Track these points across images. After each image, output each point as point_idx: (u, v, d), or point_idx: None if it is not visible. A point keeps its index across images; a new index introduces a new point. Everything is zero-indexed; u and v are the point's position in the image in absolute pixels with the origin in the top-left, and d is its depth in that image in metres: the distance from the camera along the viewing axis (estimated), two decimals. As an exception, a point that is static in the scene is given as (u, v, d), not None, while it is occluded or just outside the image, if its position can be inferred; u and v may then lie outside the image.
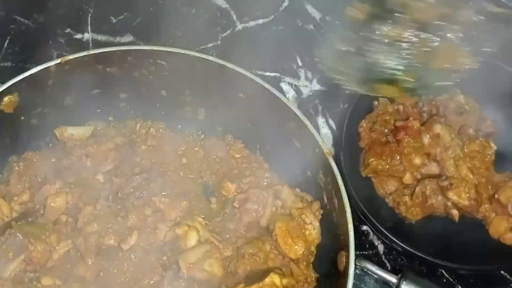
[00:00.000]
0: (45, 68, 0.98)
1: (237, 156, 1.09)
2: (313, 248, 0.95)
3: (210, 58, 1.00)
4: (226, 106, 1.08)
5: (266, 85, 0.99)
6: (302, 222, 0.94)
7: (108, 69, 1.03)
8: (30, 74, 0.97)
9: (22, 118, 1.02)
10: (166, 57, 1.03)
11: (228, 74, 1.01)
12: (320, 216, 0.96)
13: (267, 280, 0.86)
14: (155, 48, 1.02)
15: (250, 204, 0.98)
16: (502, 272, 1.07)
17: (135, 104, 1.12)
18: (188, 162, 1.09)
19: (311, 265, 0.95)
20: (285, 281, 0.88)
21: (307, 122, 0.96)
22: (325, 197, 0.97)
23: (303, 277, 0.94)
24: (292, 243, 0.92)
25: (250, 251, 0.92)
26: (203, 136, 1.13)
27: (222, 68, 1.00)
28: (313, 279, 0.95)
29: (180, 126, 1.13)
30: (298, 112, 0.97)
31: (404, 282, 0.88)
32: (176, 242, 0.93)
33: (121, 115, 1.12)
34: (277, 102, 0.98)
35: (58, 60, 0.98)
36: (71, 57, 0.99)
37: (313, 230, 0.94)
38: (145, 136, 1.09)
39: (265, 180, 1.05)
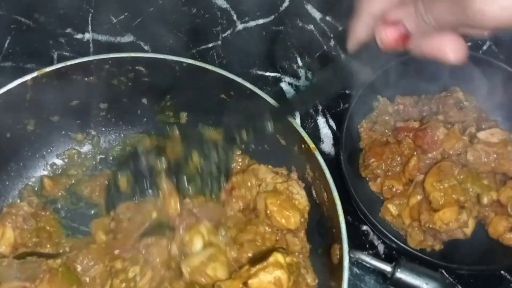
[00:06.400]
0: (22, 82, 0.96)
1: None
2: (306, 215, 0.97)
3: (189, 61, 0.99)
4: (208, 109, 1.07)
5: (248, 85, 0.98)
6: (290, 193, 0.96)
7: (86, 79, 1.01)
8: (7, 90, 0.95)
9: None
10: (144, 63, 1.01)
11: (208, 76, 1.00)
12: (303, 185, 0.98)
13: (271, 259, 0.86)
14: (132, 54, 1.01)
15: (237, 191, 0.98)
16: (502, 272, 1.07)
17: (116, 113, 1.10)
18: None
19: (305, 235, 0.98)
20: (288, 259, 0.88)
21: (291, 118, 0.96)
22: (313, 191, 0.97)
23: (299, 246, 0.95)
24: (289, 214, 0.94)
25: (248, 237, 0.93)
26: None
27: (201, 71, 0.99)
28: (307, 249, 0.97)
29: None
30: None
31: (399, 270, 0.89)
32: (183, 247, 0.91)
33: (102, 125, 1.11)
34: (259, 101, 0.97)
35: (35, 73, 0.96)
36: (48, 69, 0.97)
37: (301, 198, 0.97)
38: None
39: (239, 164, 1.06)
